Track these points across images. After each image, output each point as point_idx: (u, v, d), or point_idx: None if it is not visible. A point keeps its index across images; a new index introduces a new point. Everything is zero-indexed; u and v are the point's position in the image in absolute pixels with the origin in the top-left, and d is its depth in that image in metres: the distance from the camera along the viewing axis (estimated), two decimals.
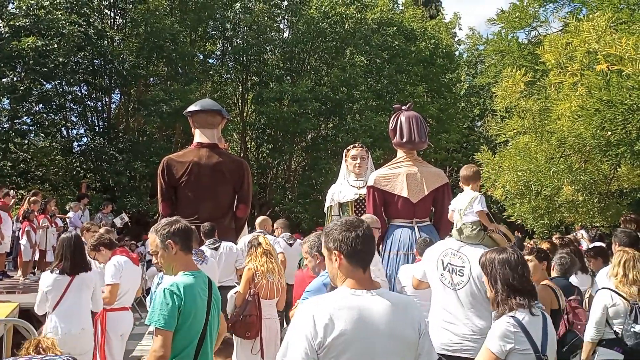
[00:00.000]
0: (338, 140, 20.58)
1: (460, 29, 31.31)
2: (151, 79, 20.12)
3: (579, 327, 4.52)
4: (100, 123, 19.48)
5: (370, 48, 22.00)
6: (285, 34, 22.72)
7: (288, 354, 2.11)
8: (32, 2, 15.62)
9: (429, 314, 4.40)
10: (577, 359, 4.52)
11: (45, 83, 17.31)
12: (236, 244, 7.73)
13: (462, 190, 4.59)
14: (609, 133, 6.48)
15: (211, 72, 21.50)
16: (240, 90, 22.64)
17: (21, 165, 17.67)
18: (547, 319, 2.92)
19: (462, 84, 27.91)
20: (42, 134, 18.34)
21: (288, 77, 21.89)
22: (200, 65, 21.26)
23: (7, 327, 5.86)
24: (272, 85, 20.76)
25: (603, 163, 7.62)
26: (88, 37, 16.72)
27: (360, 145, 7.77)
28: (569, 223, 11.67)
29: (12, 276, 10.26)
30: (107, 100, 19.72)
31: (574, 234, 11.41)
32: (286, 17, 22.52)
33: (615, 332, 4.13)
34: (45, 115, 17.92)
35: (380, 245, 6.73)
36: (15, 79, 16.50)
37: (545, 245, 6.59)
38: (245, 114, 22.36)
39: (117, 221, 12.87)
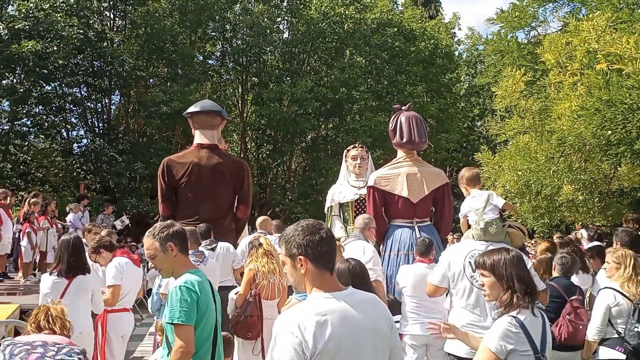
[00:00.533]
0: (338, 141, 20.59)
1: (459, 29, 31.34)
2: (151, 80, 20.11)
3: (581, 326, 4.52)
4: (100, 124, 19.49)
5: (369, 48, 22.01)
6: (285, 35, 22.73)
7: None
8: (32, 4, 15.62)
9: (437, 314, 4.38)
10: (580, 359, 4.52)
11: (45, 85, 17.31)
12: (237, 244, 7.73)
13: (461, 192, 4.59)
14: (609, 132, 6.48)
15: (211, 73, 21.51)
16: (240, 91, 22.64)
17: (21, 166, 17.68)
18: (546, 319, 2.91)
19: (461, 84, 27.92)
20: (42, 136, 18.33)
21: (288, 78, 21.90)
22: (200, 66, 21.27)
23: (8, 328, 5.87)
24: (271, 86, 20.76)
25: (603, 162, 7.61)
26: (88, 39, 16.72)
27: (360, 145, 7.78)
28: (570, 222, 11.67)
29: (13, 277, 10.27)
30: (107, 101, 19.72)
31: (575, 234, 11.41)
32: (286, 18, 22.52)
33: (618, 332, 4.13)
34: (45, 117, 17.92)
35: (381, 245, 6.74)
36: (15, 80, 16.50)
37: (544, 245, 6.60)
38: (245, 115, 22.37)
39: (118, 224, 12.87)
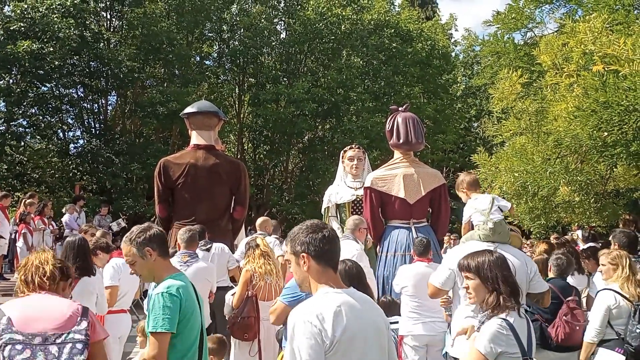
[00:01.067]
0: (335, 142, 20.58)
1: (456, 30, 31.53)
2: (148, 81, 20.08)
3: (577, 327, 4.53)
4: (97, 125, 19.43)
5: (367, 49, 22.02)
6: (282, 35, 22.73)
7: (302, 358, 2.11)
8: (27, 5, 15.57)
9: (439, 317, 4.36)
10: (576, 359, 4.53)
11: (41, 86, 17.26)
12: (234, 245, 7.73)
13: (457, 194, 4.59)
14: (606, 134, 6.49)
15: (208, 74, 21.49)
16: (237, 91, 22.63)
17: (17, 167, 17.61)
18: (529, 321, 2.92)
19: (458, 85, 27.97)
20: (38, 136, 18.28)
21: (285, 79, 21.90)
22: (196, 67, 21.25)
23: None
24: (268, 87, 20.75)
25: (599, 163, 7.63)
26: (84, 41, 16.68)
27: (357, 146, 7.79)
28: (566, 223, 11.69)
29: (9, 279, 10.23)
30: (103, 102, 19.66)
31: (571, 235, 11.44)
32: (283, 19, 22.52)
33: (617, 333, 4.12)
34: (41, 118, 17.87)
35: (378, 246, 6.75)
36: (11, 81, 16.45)
37: (543, 247, 6.62)
38: (242, 116, 22.35)
39: (114, 226, 12.84)
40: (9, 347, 2.54)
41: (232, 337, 5.37)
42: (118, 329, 5.35)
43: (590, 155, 7.37)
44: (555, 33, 8.56)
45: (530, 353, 2.79)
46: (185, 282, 3.04)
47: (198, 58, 22.12)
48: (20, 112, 16.87)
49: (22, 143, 18.13)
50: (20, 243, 9.85)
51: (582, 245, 8.60)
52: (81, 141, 19.24)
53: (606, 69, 6.06)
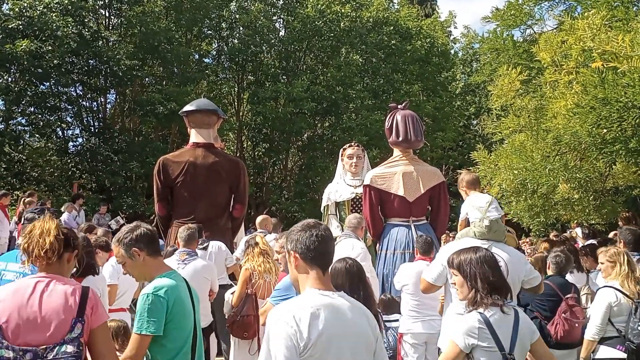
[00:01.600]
0: (334, 140, 20.56)
1: (455, 27, 31.45)
2: (146, 79, 20.06)
3: (576, 325, 4.53)
4: (96, 123, 19.40)
5: (366, 47, 22.00)
6: (281, 33, 22.70)
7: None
8: (26, 3, 15.54)
9: (439, 315, 4.35)
10: (576, 357, 4.53)
11: (39, 84, 17.23)
12: (233, 243, 7.72)
13: (457, 191, 4.60)
14: (605, 131, 6.49)
15: (207, 72, 21.47)
16: (236, 89, 22.60)
17: (16, 166, 17.60)
18: (520, 317, 2.91)
19: (457, 82, 27.96)
20: (37, 135, 18.26)
21: (284, 77, 21.87)
22: (195, 65, 21.22)
23: None
24: (267, 85, 20.73)
25: (598, 161, 7.63)
26: (83, 39, 16.65)
27: (356, 144, 7.79)
28: (565, 221, 11.70)
29: None
30: (102, 100, 19.64)
31: (570, 232, 11.45)
32: (282, 16, 22.49)
33: (618, 331, 4.12)
34: (40, 116, 17.85)
35: (377, 244, 6.75)
36: (9, 79, 16.42)
37: (544, 246, 6.62)
38: (241, 114, 22.33)
39: (113, 224, 12.83)
40: None
41: (231, 335, 5.37)
42: None
43: (590, 153, 7.38)
44: (555, 30, 8.56)
45: (512, 349, 2.80)
46: (175, 281, 2.97)
47: (197, 56, 22.10)
48: (19, 110, 16.86)
49: (21, 142, 18.12)
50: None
51: (581, 243, 8.62)
52: (80, 139, 19.23)
53: (605, 65, 6.06)
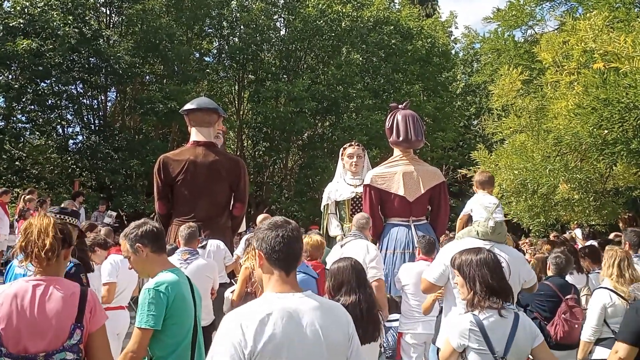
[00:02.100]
0: (334, 139, 20.56)
1: (456, 27, 31.46)
2: (147, 77, 20.04)
3: (576, 325, 4.53)
4: (96, 121, 19.41)
5: (366, 46, 21.99)
6: (282, 32, 22.69)
7: None
8: (27, 2, 15.52)
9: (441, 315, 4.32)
10: (575, 358, 4.53)
11: (40, 82, 17.22)
12: (232, 242, 7.71)
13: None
14: (606, 131, 6.49)
15: (207, 70, 21.46)
16: (236, 88, 22.60)
17: (16, 163, 17.59)
18: (520, 321, 2.88)
19: (458, 82, 27.94)
20: (38, 133, 18.25)
21: (284, 76, 21.87)
22: (196, 63, 21.21)
23: None
24: (268, 84, 20.74)
25: (599, 161, 7.63)
26: (84, 37, 16.64)
27: (356, 143, 7.79)
28: (565, 221, 11.69)
29: None
30: (102, 98, 19.65)
31: (569, 233, 11.44)
32: (283, 15, 22.48)
33: (614, 332, 4.12)
34: (40, 114, 17.84)
35: (377, 244, 6.75)
36: (10, 77, 16.41)
37: (546, 247, 6.61)
38: (241, 113, 22.33)
39: (107, 219, 12.93)
40: None
41: None
42: (116, 326, 5.33)
43: (590, 153, 7.37)
44: (556, 30, 8.55)
45: (506, 353, 2.79)
46: (177, 277, 3.01)
47: (197, 54, 22.08)
48: (20, 108, 16.84)
49: (22, 139, 18.11)
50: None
51: (580, 244, 8.61)
52: (80, 137, 19.23)
53: (606, 66, 6.05)
